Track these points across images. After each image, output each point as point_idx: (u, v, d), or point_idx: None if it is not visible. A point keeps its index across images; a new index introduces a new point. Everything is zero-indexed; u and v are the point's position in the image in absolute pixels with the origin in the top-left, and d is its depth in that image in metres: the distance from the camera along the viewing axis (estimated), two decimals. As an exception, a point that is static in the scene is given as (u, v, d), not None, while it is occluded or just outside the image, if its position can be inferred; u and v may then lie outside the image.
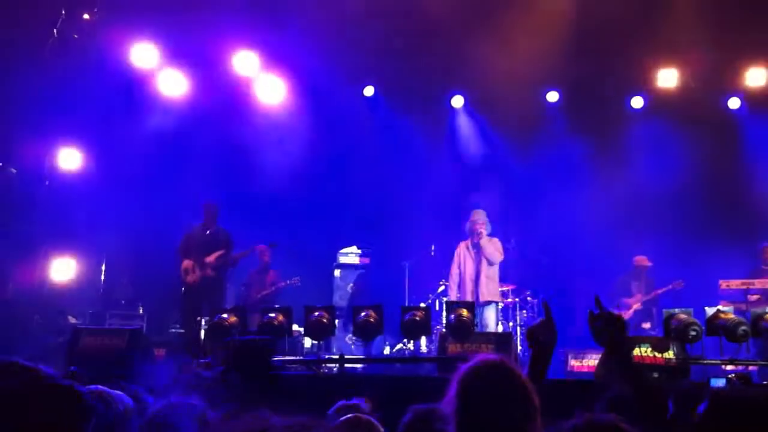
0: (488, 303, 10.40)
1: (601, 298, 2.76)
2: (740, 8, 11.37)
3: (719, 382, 6.33)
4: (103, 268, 12.21)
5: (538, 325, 2.93)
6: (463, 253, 10.67)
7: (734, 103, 12.80)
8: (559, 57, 12.21)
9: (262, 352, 3.89)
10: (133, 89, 12.04)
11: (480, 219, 10.61)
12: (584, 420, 2.59)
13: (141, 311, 11.61)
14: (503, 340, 7.82)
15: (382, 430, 3.22)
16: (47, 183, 11.22)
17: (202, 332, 9.61)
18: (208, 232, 10.22)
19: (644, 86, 12.89)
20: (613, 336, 2.72)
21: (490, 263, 10.51)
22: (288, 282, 11.53)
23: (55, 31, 11.01)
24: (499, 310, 10.87)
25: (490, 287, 10.46)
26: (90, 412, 2.21)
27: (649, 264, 11.82)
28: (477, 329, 8.48)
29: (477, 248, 10.56)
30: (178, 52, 12.09)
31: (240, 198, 12.55)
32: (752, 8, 11.35)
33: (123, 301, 11.81)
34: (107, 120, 11.67)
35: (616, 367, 2.69)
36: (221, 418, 3.27)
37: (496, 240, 10.65)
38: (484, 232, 10.52)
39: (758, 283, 10.43)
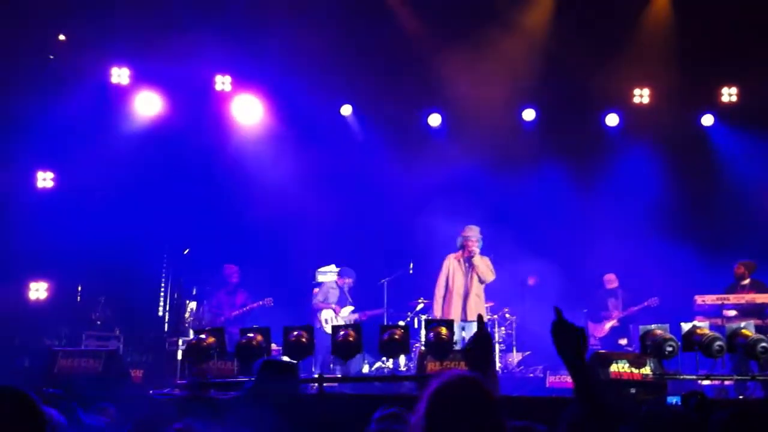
0: (474, 321, 10.28)
1: (562, 310, 2.63)
2: (711, 28, 11.56)
3: (674, 400, 6.37)
4: (79, 289, 12.09)
5: (471, 342, 2.88)
6: (453, 266, 10.37)
7: (708, 120, 12.96)
8: (535, 75, 12.34)
9: (290, 373, 3.82)
10: (108, 109, 12.00)
11: (473, 236, 10.33)
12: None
13: (117, 332, 11.49)
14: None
15: None
16: (22, 203, 11.12)
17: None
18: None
19: (619, 104, 13.02)
20: (572, 348, 2.58)
21: (481, 281, 10.31)
22: (261, 303, 11.45)
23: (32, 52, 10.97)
24: (484, 327, 10.75)
25: (479, 305, 10.22)
26: (44, 426, 2.31)
27: (616, 284, 11.96)
28: (459, 346, 8.46)
29: (469, 264, 10.29)
30: (155, 73, 12.08)
31: (216, 217, 12.52)
32: (723, 28, 11.54)
33: (99, 322, 11.68)
34: (83, 140, 11.59)
35: (574, 384, 2.56)
36: None
37: (487, 259, 10.40)
38: (477, 250, 10.29)
39: (733, 299, 10.50)
